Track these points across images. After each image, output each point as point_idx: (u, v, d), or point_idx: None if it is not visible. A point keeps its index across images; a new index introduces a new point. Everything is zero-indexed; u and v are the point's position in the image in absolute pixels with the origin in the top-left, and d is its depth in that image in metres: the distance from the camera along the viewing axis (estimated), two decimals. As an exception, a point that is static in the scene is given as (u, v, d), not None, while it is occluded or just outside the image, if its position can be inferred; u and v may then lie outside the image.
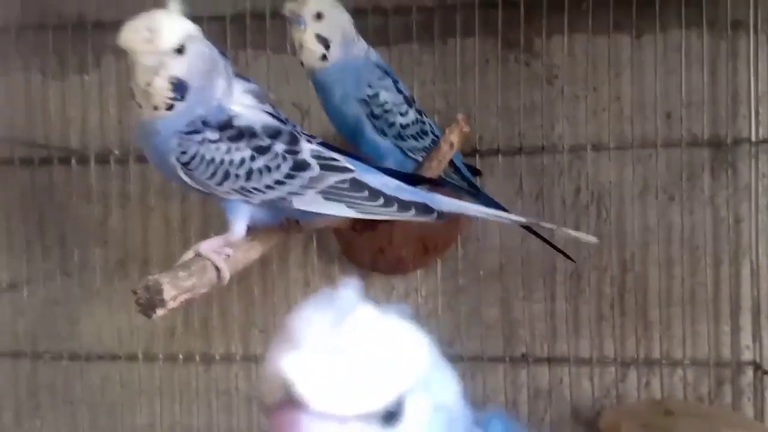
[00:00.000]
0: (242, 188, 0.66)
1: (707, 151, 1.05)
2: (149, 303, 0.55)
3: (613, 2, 1.03)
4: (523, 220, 0.78)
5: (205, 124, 0.65)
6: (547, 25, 1.05)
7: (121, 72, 0.87)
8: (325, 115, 0.92)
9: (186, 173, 0.65)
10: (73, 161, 1.15)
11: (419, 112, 0.93)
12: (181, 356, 1.14)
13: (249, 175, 0.66)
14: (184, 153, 0.64)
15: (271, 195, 0.67)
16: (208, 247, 0.65)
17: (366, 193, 0.69)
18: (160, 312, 0.55)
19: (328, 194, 0.68)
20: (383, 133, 0.88)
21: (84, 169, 1.14)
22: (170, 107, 0.64)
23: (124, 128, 1.14)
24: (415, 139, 0.91)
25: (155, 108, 0.64)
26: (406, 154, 0.91)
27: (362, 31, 0.98)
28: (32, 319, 1.18)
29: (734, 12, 1.03)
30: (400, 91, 0.90)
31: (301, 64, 0.88)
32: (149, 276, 0.56)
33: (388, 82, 0.89)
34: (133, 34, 0.61)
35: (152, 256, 1.15)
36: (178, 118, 0.64)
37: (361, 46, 0.88)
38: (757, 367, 1.03)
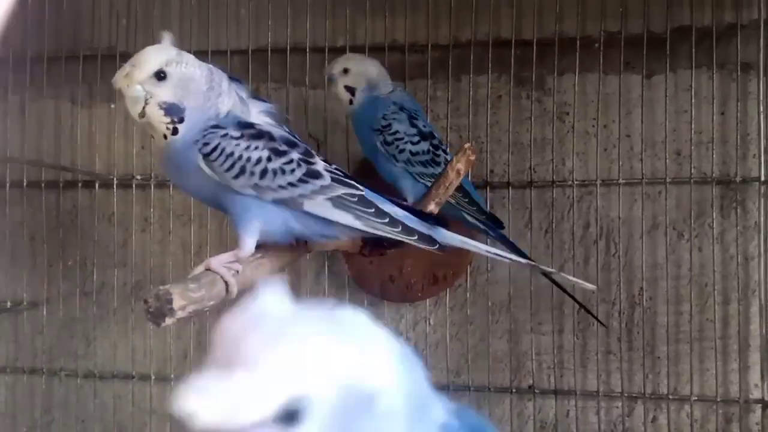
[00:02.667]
0: (256, 185, 0.70)
1: (716, 189, 1.06)
2: (159, 312, 0.57)
3: (624, 43, 1.06)
4: (523, 261, 0.80)
5: (226, 125, 0.69)
6: (559, 63, 1.08)
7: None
8: (339, 147, 1.03)
9: (206, 164, 0.69)
10: (97, 185, 1.19)
11: (436, 146, 0.99)
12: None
13: (264, 173, 0.70)
14: (206, 144, 0.69)
15: (283, 194, 0.70)
16: (218, 262, 0.68)
17: (373, 210, 0.72)
18: (168, 321, 0.57)
19: (337, 203, 0.71)
20: (394, 158, 0.98)
21: (107, 192, 1.18)
22: (175, 131, 0.68)
23: (147, 154, 1.18)
24: (424, 165, 0.98)
25: (164, 137, 0.68)
26: (416, 179, 0.98)
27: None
28: (50, 337, 1.21)
29: (744, 54, 1.05)
30: (414, 125, 0.99)
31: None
32: (160, 286, 0.58)
33: (403, 115, 0.99)
34: (119, 73, 0.67)
35: (169, 279, 1.17)
36: (188, 135, 0.68)
37: (385, 87, 1.02)
38: (765, 405, 1.03)
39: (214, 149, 0.69)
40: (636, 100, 1.08)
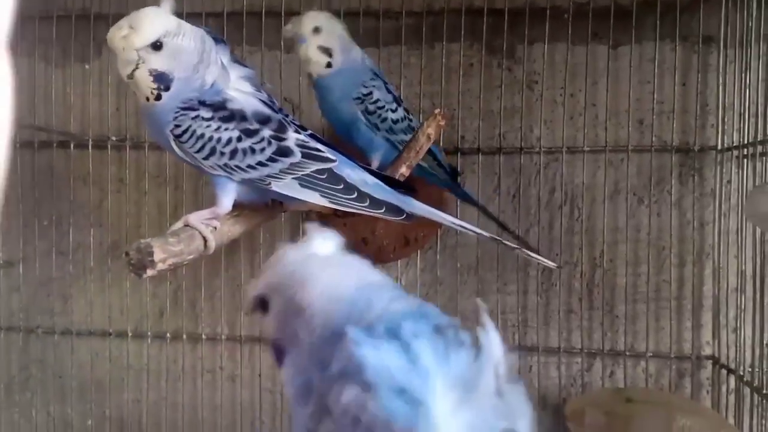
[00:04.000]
0: (225, 165, 0.72)
1: (676, 157, 1.11)
2: (140, 263, 0.60)
3: (592, 14, 1.09)
4: (486, 234, 0.84)
5: (201, 103, 0.71)
6: (529, 33, 1.11)
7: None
8: (315, 110, 1.00)
9: (177, 145, 0.71)
10: (72, 146, 1.20)
11: (406, 110, 1.00)
12: (168, 335, 1.19)
13: (233, 153, 0.72)
14: (177, 126, 0.70)
15: (252, 174, 0.73)
16: (196, 218, 0.71)
17: (341, 186, 0.75)
18: (150, 272, 0.60)
19: (305, 182, 0.74)
20: (376, 128, 0.96)
21: (82, 153, 1.19)
22: (158, 97, 0.70)
23: (122, 115, 1.19)
24: (405, 133, 0.98)
25: (147, 98, 0.70)
26: (396, 147, 0.97)
27: (353, 32, 1.04)
28: (26, 295, 1.22)
29: (706, 27, 1.09)
30: (389, 91, 0.98)
31: (309, 76, 0.96)
32: (141, 239, 0.61)
33: (380, 82, 0.97)
34: (115, 32, 0.67)
35: (146, 238, 1.19)
36: (170, 102, 0.70)
37: (357, 52, 0.97)
38: (715, 361, 1.09)
39: (185, 131, 0.71)
40: (602, 70, 1.12)
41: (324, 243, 0.52)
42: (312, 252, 0.51)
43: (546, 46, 1.10)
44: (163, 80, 0.68)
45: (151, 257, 0.60)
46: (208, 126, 0.71)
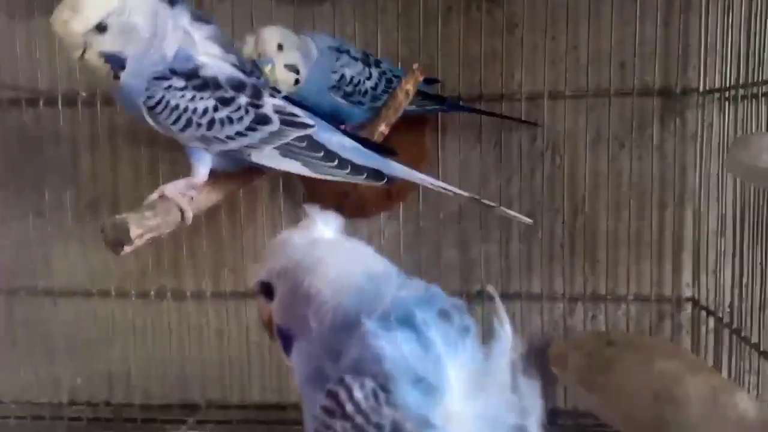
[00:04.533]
0: (203, 136, 0.70)
1: (657, 101, 1.10)
2: (116, 240, 0.59)
3: (573, -47, 1.06)
4: (465, 194, 0.83)
5: (173, 72, 0.68)
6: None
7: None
8: None
9: (151, 117, 0.69)
10: (41, 103, 1.16)
11: (376, 63, 0.97)
12: (152, 293, 1.19)
13: (211, 124, 0.70)
14: (150, 98, 0.68)
15: (231, 145, 0.71)
16: (172, 189, 0.69)
17: (321, 153, 0.74)
18: (127, 249, 0.59)
19: (285, 151, 0.73)
20: (360, 103, 0.93)
21: (52, 111, 1.16)
22: (115, 77, 0.67)
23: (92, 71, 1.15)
24: (386, 92, 0.96)
25: (106, 77, 0.67)
26: (377, 107, 0.96)
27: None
28: (7, 257, 1.21)
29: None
30: (356, 59, 0.94)
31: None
32: (116, 215, 0.60)
33: (345, 57, 0.93)
34: (56, 16, 0.64)
35: (122, 197, 1.18)
36: (131, 79, 0.67)
37: (311, 46, 0.91)
38: (695, 303, 1.11)
39: (158, 102, 0.68)
40: (583, 11, 1.09)
41: (325, 226, 0.52)
42: (315, 237, 0.51)
43: (526, -13, 1.07)
44: (115, 61, 0.66)
45: (127, 233, 0.59)
46: (182, 96, 0.69)
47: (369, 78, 0.94)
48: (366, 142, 0.80)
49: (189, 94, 0.69)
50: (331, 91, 0.92)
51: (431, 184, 0.83)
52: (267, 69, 0.86)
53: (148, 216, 0.62)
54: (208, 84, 0.69)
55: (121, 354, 1.21)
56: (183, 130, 0.69)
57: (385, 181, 0.78)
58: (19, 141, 1.18)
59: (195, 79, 0.69)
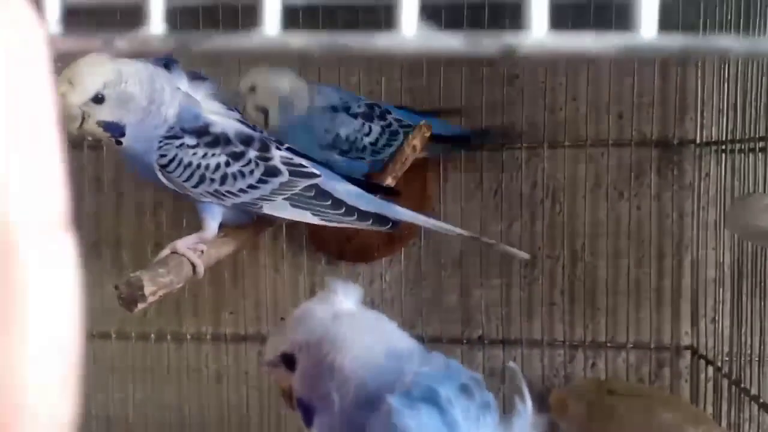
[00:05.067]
0: (216, 191, 0.71)
1: (655, 151, 1.12)
2: (130, 298, 0.59)
3: (572, 5, 1.09)
4: (466, 234, 0.85)
5: (184, 130, 0.69)
6: (510, 25, 1.09)
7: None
8: None
9: (164, 175, 0.70)
10: (48, 145, 1.17)
11: (382, 115, 0.98)
12: (153, 335, 1.19)
13: (224, 179, 0.71)
14: (163, 156, 0.69)
15: (244, 198, 0.72)
16: (183, 244, 0.70)
17: (329, 202, 0.75)
18: (140, 306, 0.59)
19: (295, 201, 0.74)
20: (360, 158, 0.95)
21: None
22: (118, 143, 0.68)
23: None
24: (389, 145, 0.97)
25: (108, 143, 0.68)
26: (381, 158, 0.97)
27: (331, 25, 1.02)
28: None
29: (685, 18, 1.09)
30: (355, 116, 0.95)
31: None
32: (131, 273, 0.60)
33: (342, 116, 0.94)
34: (55, 87, 0.64)
35: (124, 240, 1.18)
36: (133, 143, 0.68)
37: (303, 98, 0.93)
38: (694, 351, 1.11)
39: (171, 161, 0.69)
40: (582, 63, 1.11)
41: (346, 298, 0.52)
42: (337, 310, 0.51)
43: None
44: (114, 129, 0.67)
45: (141, 291, 0.59)
46: (194, 153, 0.70)
47: (368, 134, 0.95)
48: (369, 186, 0.82)
49: (201, 151, 0.70)
50: (326, 150, 0.93)
51: (433, 225, 0.84)
52: (241, 103, 0.91)
53: (162, 273, 0.63)
54: (218, 140, 0.71)
55: (119, 396, 1.20)
56: (196, 186, 0.70)
57: (389, 225, 0.80)
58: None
59: (206, 136, 0.70)
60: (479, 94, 1.12)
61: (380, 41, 0.19)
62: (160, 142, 0.69)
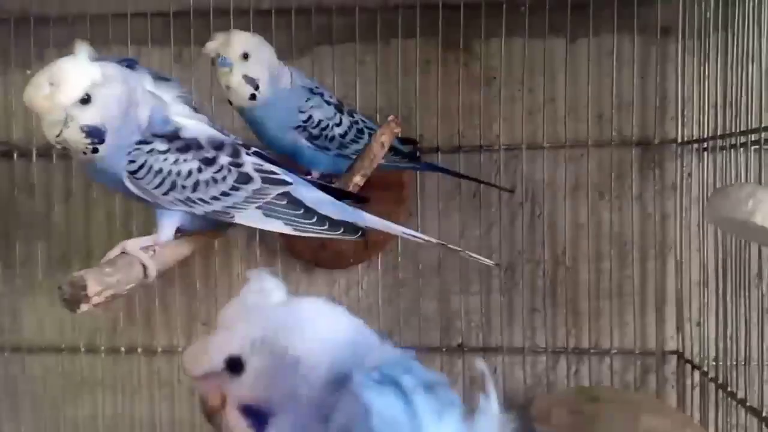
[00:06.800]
0: (188, 199, 0.68)
1: (636, 151, 1.10)
2: (74, 298, 0.56)
3: (549, 6, 1.07)
4: (434, 241, 0.83)
5: (154, 135, 0.67)
6: (486, 27, 1.08)
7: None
8: None
9: (132, 182, 0.67)
10: (15, 155, 1.15)
11: (350, 113, 0.96)
12: (123, 349, 1.15)
13: (195, 186, 0.68)
14: (132, 162, 0.66)
15: (215, 206, 0.70)
16: (134, 244, 0.67)
17: (301, 211, 0.73)
18: (84, 307, 0.56)
19: (268, 210, 0.72)
20: (326, 149, 0.92)
21: (26, 163, 1.14)
22: (95, 150, 0.65)
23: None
24: (356, 141, 0.95)
25: (83, 153, 0.65)
26: (349, 158, 0.93)
27: (306, 29, 1.01)
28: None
29: (664, 19, 1.08)
30: (329, 103, 0.93)
31: (229, 102, 0.89)
32: (74, 272, 0.57)
33: (317, 99, 0.91)
34: (34, 91, 0.60)
35: (95, 249, 1.15)
36: (110, 151, 0.65)
37: (285, 75, 0.90)
38: (679, 356, 1.08)
39: (141, 167, 0.66)
40: (560, 64, 1.10)
41: (278, 289, 0.48)
42: (279, 299, 0.47)
43: (503, 40, 1.08)
44: (96, 134, 0.63)
45: (84, 291, 0.56)
46: (165, 159, 0.67)
47: (339, 124, 0.92)
48: (339, 193, 0.79)
49: (172, 157, 0.67)
50: (296, 131, 0.89)
51: (402, 232, 0.82)
52: (223, 71, 0.84)
53: (108, 272, 0.60)
54: (190, 145, 0.68)
55: (89, 413, 1.17)
56: (166, 193, 0.68)
57: (360, 234, 0.77)
58: (-9, 192, 1.16)
59: (176, 140, 0.68)
60: (455, 96, 1.09)
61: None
62: (129, 148, 0.66)
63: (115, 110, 0.64)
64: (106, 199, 1.15)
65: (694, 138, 1.06)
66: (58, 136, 0.63)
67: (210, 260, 1.12)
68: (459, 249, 0.85)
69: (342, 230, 0.76)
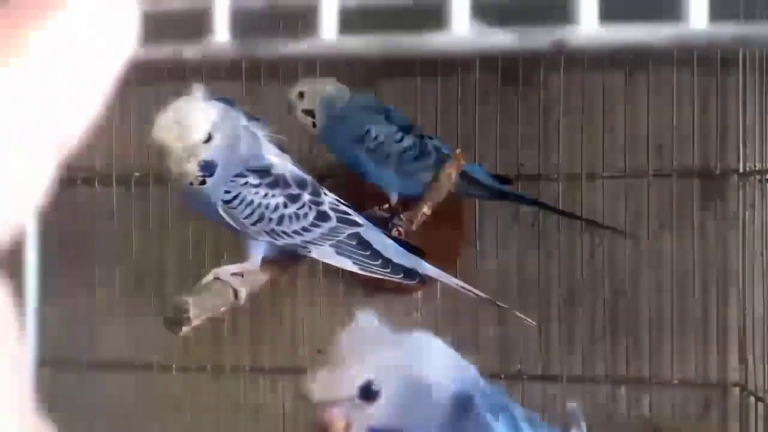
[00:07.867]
0: (273, 231, 0.74)
1: (697, 182, 1.10)
2: (176, 321, 0.61)
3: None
4: (483, 295, 0.89)
5: (249, 170, 0.73)
6: (545, 60, 1.11)
7: (143, 99, 0.95)
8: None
9: (226, 211, 0.73)
10: (96, 182, 1.22)
11: (420, 136, 1.01)
12: (193, 367, 1.20)
13: (281, 220, 0.74)
14: (227, 192, 0.72)
15: (296, 240, 0.76)
16: (225, 271, 0.72)
17: (369, 252, 0.79)
18: (185, 329, 0.61)
19: (340, 249, 0.78)
20: (384, 163, 0.98)
21: (107, 190, 1.21)
22: (202, 182, 0.71)
23: (144, 152, 1.21)
24: (417, 159, 1.00)
25: (190, 183, 0.71)
26: (411, 176, 0.99)
27: (368, 66, 1.05)
28: (54, 329, 1.24)
29: (723, 50, 1.08)
30: (391, 122, 1.00)
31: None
32: (176, 297, 0.62)
33: (377, 117, 0.99)
34: (165, 131, 0.68)
35: (168, 273, 1.21)
36: (213, 184, 0.72)
37: (342, 99, 1.00)
38: (743, 388, 1.07)
39: (235, 198, 0.73)
40: (619, 95, 1.11)
41: (383, 325, 0.51)
42: (391, 330, 0.50)
43: (562, 72, 1.10)
44: (209, 168, 0.70)
45: (186, 314, 0.61)
46: (256, 192, 0.73)
47: (399, 141, 0.99)
48: (404, 244, 0.85)
49: (263, 191, 0.73)
50: (355, 145, 0.98)
51: (455, 284, 0.89)
52: (292, 111, 0.99)
53: (206, 297, 0.65)
54: (278, 181, 0.75)
55: (160, 428, 1.21)
56: (255, 224, 0.74)
57: (417, 280, 0.84)
58: (74, 218, 1.23)
59: (267, 176, 0.74)
60: (514, 126, 1.12)
61: (434, 40, 0.20)
62: (228, 180, 0.72)
63: (227, 145, 0.71)
64: (179, 224, 1.21)
65: (756, 169, 1.05)
66: (180, 169, 0.69)
67: (276, 285, 1.16)
68: (505, 306, 0.92)
69: (402, 275, 0.82)
